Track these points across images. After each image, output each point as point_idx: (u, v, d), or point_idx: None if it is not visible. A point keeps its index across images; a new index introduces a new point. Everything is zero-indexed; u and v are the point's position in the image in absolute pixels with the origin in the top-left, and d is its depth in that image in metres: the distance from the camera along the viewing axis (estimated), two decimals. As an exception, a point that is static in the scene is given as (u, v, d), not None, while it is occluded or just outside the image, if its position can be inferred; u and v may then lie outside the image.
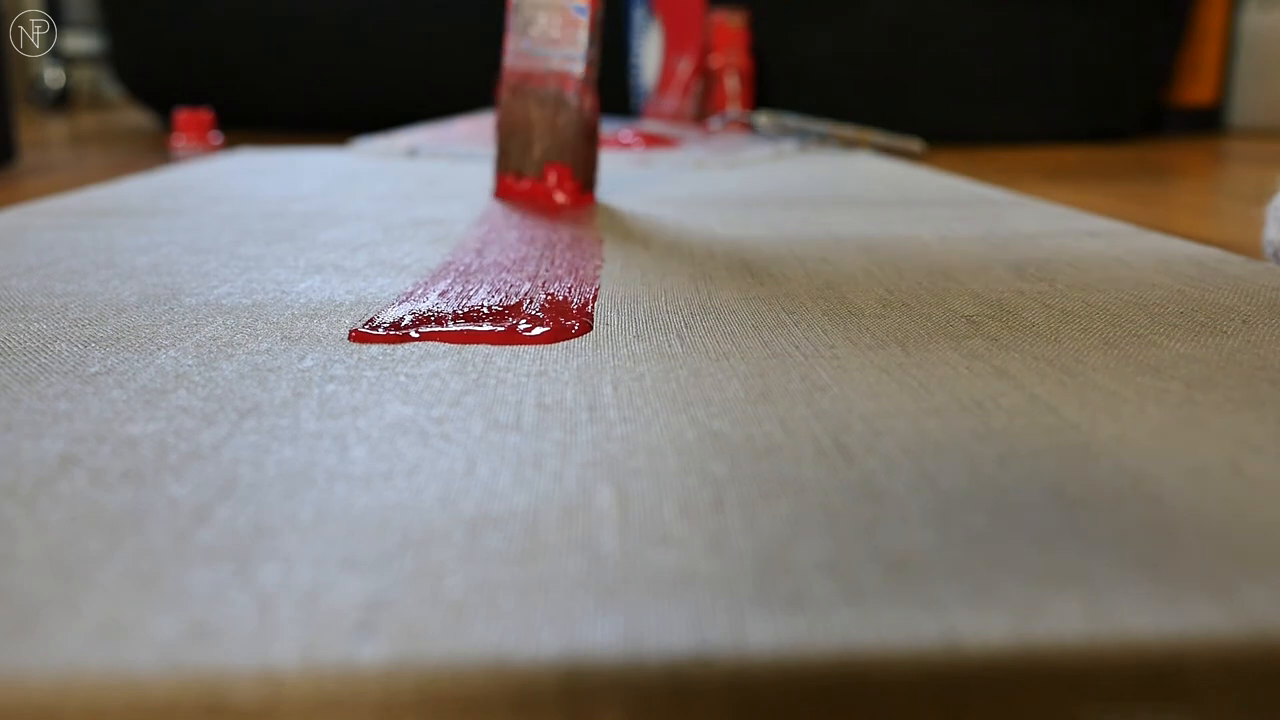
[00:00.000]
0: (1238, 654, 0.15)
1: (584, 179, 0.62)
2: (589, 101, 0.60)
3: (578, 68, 0.59)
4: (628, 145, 1.03)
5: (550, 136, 0.61)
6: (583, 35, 0.58)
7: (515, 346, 0.30)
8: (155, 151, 1.11)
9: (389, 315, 0.33)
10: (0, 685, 0.14)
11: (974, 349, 0.30)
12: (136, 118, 1.75)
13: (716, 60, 1.28)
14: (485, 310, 0.34)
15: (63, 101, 2.09)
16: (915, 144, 1.10)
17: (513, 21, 0.60)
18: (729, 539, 0.18)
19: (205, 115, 1.14)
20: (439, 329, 0.32)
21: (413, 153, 0.97)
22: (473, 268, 0.42)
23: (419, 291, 0.37)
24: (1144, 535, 0.18)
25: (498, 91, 0.62)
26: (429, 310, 0.34)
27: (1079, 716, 0.14)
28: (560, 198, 0.60)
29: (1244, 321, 0.33)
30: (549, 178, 0.61)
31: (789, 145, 1.04)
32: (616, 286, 0.39)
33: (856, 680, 0.14)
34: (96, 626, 0.15)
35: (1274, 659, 0.15)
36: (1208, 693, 0.15)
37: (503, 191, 0.63)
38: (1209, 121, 1.60)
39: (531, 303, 0.36)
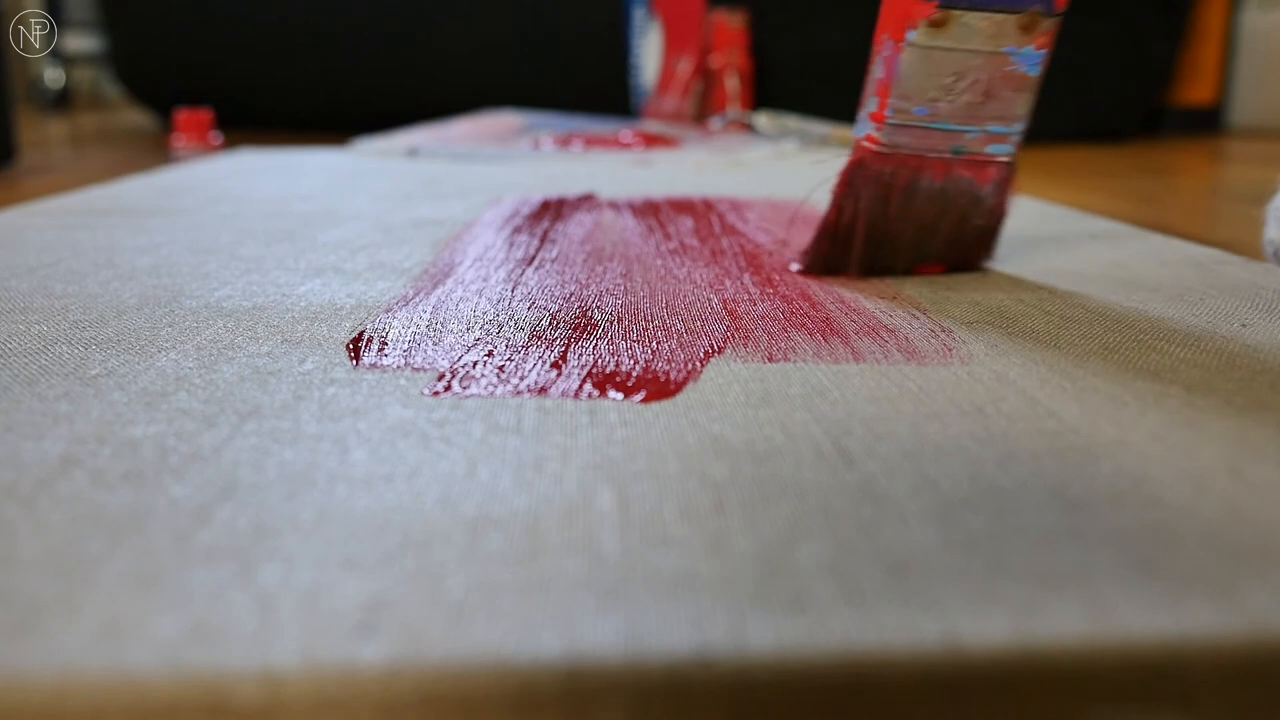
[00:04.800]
0: (1237, 655, 0.15)
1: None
2: (1005, 197, 0.40)
3: (1007, 150, 0.39)
4: (628, 145, 1.03)
5: (944, 243, 0.41)
6: (1025, 101, 0.38)
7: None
8: (155, 151, 1.11)
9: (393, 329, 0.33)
10: (0, 685, 0.14)
11: (974, 354, 0.30)
12: (136, 118, 1.75)
13: (716, 60, 1.28)
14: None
15: (63, 101, 2.09)
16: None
17: (896, 76, 0.37)
18: (730, 541, 0.18)
19: (205, 115, 1.14)
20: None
21: (413, 153, 0.97)
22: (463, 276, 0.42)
23: (415, 297, 0.37)
24: (1144, 537, 0.18)
25: (844, 182, 0.39)
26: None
27: (1079, 717, 0.14)
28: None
29: (1243, 325, 0.33)
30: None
31: (789, 145, 1.04)
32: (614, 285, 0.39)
33: (857, 681, 0.14)
34: (97, 626, 0.15)
35: (1273, 660, 0.15)
36: (1208, 694, 0.15)
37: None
38: (1209, 121, 1.60)
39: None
